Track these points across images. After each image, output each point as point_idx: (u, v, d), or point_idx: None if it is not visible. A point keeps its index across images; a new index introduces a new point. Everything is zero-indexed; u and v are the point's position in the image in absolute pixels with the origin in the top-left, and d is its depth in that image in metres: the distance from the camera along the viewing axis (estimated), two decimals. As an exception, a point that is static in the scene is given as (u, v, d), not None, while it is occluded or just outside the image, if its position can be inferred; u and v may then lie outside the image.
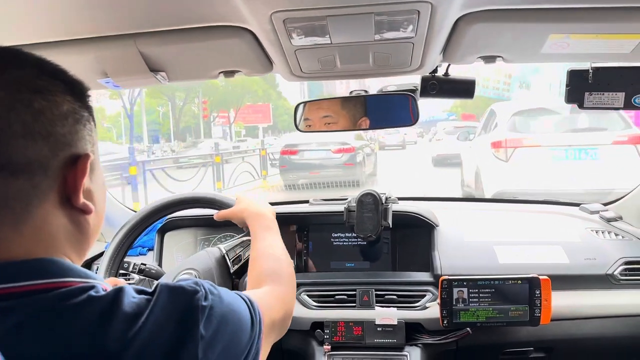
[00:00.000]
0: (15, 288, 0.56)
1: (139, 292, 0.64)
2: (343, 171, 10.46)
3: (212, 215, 1.74)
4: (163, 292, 0.64)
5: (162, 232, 1.78)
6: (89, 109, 0.66)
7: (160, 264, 1.73)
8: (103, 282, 0.64)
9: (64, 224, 0.63)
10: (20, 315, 0.55)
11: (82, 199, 0.64)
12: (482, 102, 35.33)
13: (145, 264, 1.41)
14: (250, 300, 0.77)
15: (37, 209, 0.60)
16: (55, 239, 0.62)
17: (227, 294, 0.72)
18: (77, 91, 0.65)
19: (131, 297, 0.61)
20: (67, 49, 1.02)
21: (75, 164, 0.62)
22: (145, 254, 1.77)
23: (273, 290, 0.94)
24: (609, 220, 1.83)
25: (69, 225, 0.64)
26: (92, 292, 0.60)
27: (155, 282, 1.29)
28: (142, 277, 1.38)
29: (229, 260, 1.28)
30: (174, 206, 1.41)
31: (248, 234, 1.25)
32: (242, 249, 1.29)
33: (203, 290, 0.66)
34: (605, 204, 1.96)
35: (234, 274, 1.27)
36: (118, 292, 0.61)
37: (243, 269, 1.27)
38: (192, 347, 0.61)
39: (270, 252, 1.08)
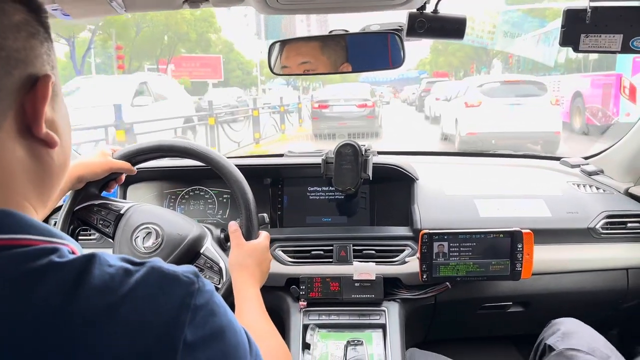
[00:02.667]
0: None
1: (122, 259, 0.54)
2: (365, 122, 12.59)
3: (180, 167, 1.64)
4: (153, 274, 0.53)
5: (125, 185, 1.66)
6: (45, 26, 0.56)
7: None
8: (71, 243, 0.54)
9: (22, 159, 0.53)
10: None
11: (44, 129, 0.54)
12: (455, 59, 34.86)
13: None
14: (254, 343, 0.64)
15: None
16: (12, 176, 0.53)
17: (232, 313, 0.60)
18: (30, 3, 0.54)
19: (106, 267, 0.51)
20: None
21: (35, 87, 0.53)
22: None
23: None
24: (590, 173, 1.80)
25: (28, 161, 0.54)
26: (54, 257, 0.49)
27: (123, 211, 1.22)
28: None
29: (195, 262, 1.19)
30: (218, 171, 1.25)
31: (220, 290, 1.15)
32: (210, 273, 1.19)
33: (199, 285, 0.55)
34: (586, 158, 1.93)
35: None
36: (88, 259, 0.51)
37: None
38: (171, 352, 0.50)
39: (262, 330, 0.94)
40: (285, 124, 14.51)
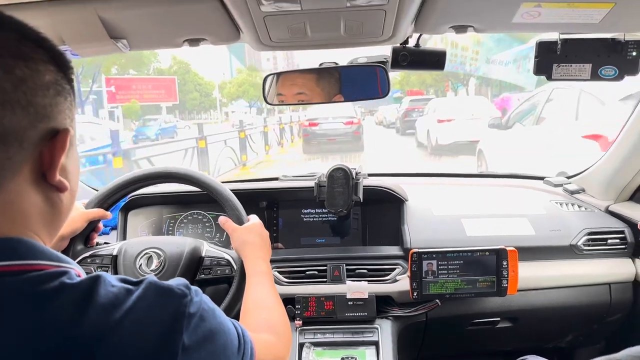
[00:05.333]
0: None
1: (121, 280, 0.60)
2: (352, 139, 13.53)
3: (179, 192, 1.71)
4: (150, 290, 0.60)
5: (126, 210, 1.72)
6: (70, 82, 0.63)
7: None
8: (77, 267, 0.61)
9: (36, 201, 0.60)
10: None
11: (58, 176, 0.60)
12: (428, 77, 34.21)
13: (108, 242, 1.36)
14: (243, 332, 0.72)
15: (10, 183, 0.56)
16: (26, 216, 0.59)
17: (220, 313, 0.68)
18: (60, 62, 0.61)
19: (109, 286, 0.58)
20: (20, 13, 0.95)
21: (54, 139, 0.59)
22: (108, 233, 1.71)
23: (268, 340, 0.88)
24: (572, 192, 1.88)
25: (42, 203, 0.60)
26: (64, 279, 0.56)
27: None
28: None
29: (202, 265, 1.25)
30: (184, 181, 1.35)
31: (236, 275, 1.22)
32: (220, 267, 1.25)
33: (191, 296, 0.62)
34: (569, 177, 2.01)
35: (196, 282, 1.23)
36: (94, 280, 0.57)
37: (207, 282, 1.24)
38: (172, 356, 0.57)
39: (266, 303, 1.02)
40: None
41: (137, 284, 0.60)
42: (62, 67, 0.61)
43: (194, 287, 0.64)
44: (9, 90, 0.54)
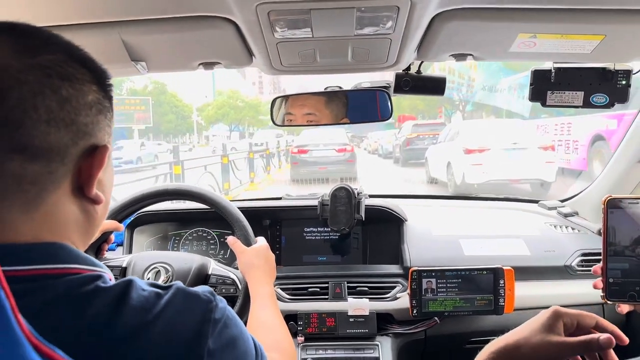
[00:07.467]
0: (25, 271, 0.56)
1: (151, 285, 0.64)
2: (345, 167, 12.63)
3: (184, 209, 1.75)
4: (178, 295, 0.63)
5: (132, 227, 1.76)
6: (110, 99, 0.66)
7: None
8: (109, 272, 0.64)
9: (74, 213, 0.63)
10: (33, 300, 0.55)
11: (94, 190, 0.63)
12: (421, 102, 33.76)
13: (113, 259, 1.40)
14: (259, 345, 0.75)
15: (50, 195, 0.60)
16: (64, 226, 0.62)
17: (240, 322, 0.71)
18: (102, 81, 0.64)
19: (140, 290, 0.61)
20: None
21: (93, 155, 0.62)
22: (114, 250, 1.74)
23: (276, 359, 0.91)
24: (565, 215, 1.93)
25: (78, 214, 0.64)
26: (99, 282, 0.59)
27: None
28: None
29: (208, 283, 1.29)
30: (196, 199, 1.40)
31: (240, 296, 1.26)
32: (225, 286, 1.29)
33: (216, 302, 0.65)
34: (562, 201, 2.07)
35: None
36: (127, 284, 0.61)
37: None
38: (198, 358, 0.60)
39: (271, 324, 1.06)
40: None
41: (166, 288, 0.64)
42: (104, 86, 0.64)
43: (218, 296, 0.67)
44: (54, 109, 0.57)
